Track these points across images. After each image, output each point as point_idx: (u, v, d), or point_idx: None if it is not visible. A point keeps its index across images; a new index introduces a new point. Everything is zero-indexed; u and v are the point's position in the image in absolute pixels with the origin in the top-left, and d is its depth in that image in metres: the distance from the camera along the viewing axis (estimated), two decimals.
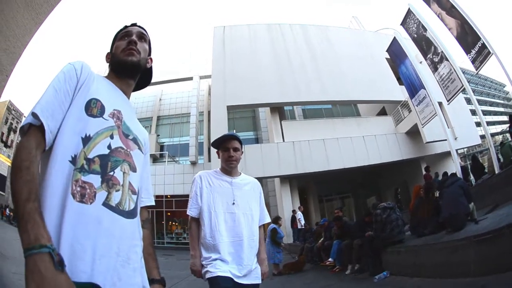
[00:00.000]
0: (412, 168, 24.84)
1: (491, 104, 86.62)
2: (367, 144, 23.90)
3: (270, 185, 27.75)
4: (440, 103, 19.68)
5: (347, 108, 31.13)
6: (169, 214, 30.42)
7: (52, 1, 4.18)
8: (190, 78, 38.85)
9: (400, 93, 25.70)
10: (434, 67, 18.45)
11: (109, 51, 2.00)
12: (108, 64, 1.97)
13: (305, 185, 27.74)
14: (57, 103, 1.55)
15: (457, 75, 16.59)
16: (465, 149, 41.97)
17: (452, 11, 16.13)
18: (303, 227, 20.40)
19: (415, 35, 19.89)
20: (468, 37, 15.53)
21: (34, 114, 1.47)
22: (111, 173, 1.56)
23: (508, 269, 5.06)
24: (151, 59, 2.08)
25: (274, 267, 12.40)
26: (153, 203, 2.01)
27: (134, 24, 2.05)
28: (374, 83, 26.19)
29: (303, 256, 14.17)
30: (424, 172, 19.71)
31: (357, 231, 10.96)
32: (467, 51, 15.63)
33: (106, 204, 1.49)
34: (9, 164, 41.36)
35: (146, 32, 2.04)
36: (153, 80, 2.17)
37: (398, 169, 25.69)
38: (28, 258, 1.12)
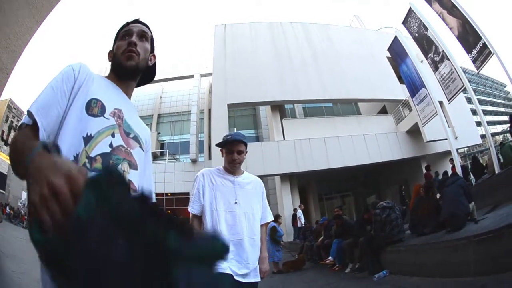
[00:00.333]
0: (412, 167, 24.85)
1: (492, 104, 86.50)
2: (367, 143, 23.92)
3: (271, 183, 27.72)
4: (440, 102, 19.67)
5: (347, 107, 31.12)
6: (169, 212, 30.32)
7: (53, 0, 4.19)
8: (191, 76, 38.87)
9: (401, 92, 25.70)
10: (435, 66, 18.44)
11: (111, 49, 2.00)
12: (110, 62, 1.97)
13: (305, 183, 27.74)
14: (53, 102, 1.57)
15: (458, 75, 16.59)
16: (465, 149, 42.00)
17: (453, 10, 16.11)
18: (303, 225, 20.40)
19: (416, 34, 19.87)
20: (469, 36, 15.51)
21: (29, 113, 1.50)
22: None
23: (508, 269, 5.05)
24: (154, 55, 2.07)
25: (273, 265, 12.39)
26: (154, 201, 2.00)
27: (136, 20, 2.04)
28: (375, 81, 26.20)
29: (303, 255, 14.19)
30: (424, 171, 19.71)
31: (358, 229, 10.98)
32: (468, 51, 15.61)
33: None
34: (10, 162, 41.56)
35: (149, 29, 2.02)
36: (156, 70, 2.17)
37: (398, 168, 25.71)
38: (28, 167, 1.07)
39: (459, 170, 15.97)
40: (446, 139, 18.73)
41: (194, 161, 30.67)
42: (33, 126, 1.49)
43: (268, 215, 3.91)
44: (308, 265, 13.77)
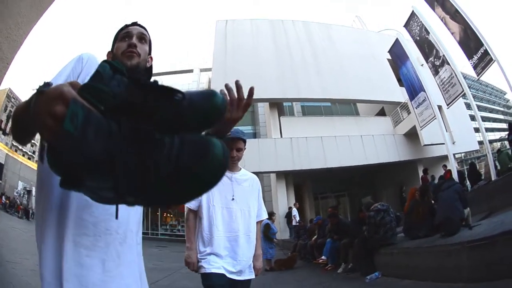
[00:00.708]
0: (408, 170, 24.81)
1: (491, 110, 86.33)
2: (364, 144, 23.90)
3: (266, 180, 27.69)
4: (439, 107, 19.69)
5: (346, 107, 31.06)
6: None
7: None
8: (191, 71, 38.86)
9: (400, 94, 25.68)
10: (435, 70, 18.46)
11: (110, 50, 2.01)
12: None
13: (301, 182, 27.72)
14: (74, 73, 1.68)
15: (458, 80, 16.60)
16: (462, 154, 41.98)
17: (456, 15, 16.11)
18: (297, 223, 20.42)
19: (418, 38, 19.89)
20: (470, 42, 15.52)
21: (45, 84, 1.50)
22: None
23: (500, 277, 5.07)
24: (151, 57, 2.09)
25: (266, 262, 12.38)
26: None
27: (134, 23, 2.05)
28: (374, 83, 26.13)
29: (295, 254, 14.21)
30: (421, 174, 19.74)
31: (354, 229, 11.00)
32: (469, 57, 15.63)
33: None
34: (7, 152, 41.37)
35: (147, 32, 2.05)
36: (153, 72, 2.17)
37: (394, 170, 25.68)
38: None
39: (455, 175, 15.99)
40: (443, 143, 18.79)
41: None
42: None
43: (263, 213, 3.96)
44: (301, 263, 13.79)
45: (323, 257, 11.92)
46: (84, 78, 1.67)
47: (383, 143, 24.33)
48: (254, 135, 31.71)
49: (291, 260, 13.24)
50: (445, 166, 18.52)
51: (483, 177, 15.40)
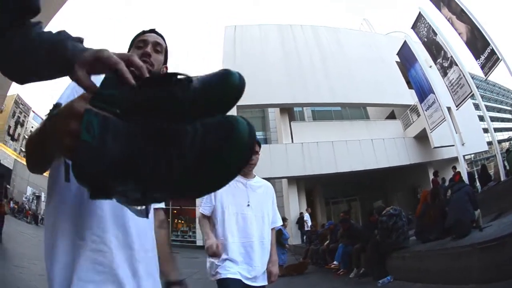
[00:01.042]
0: (419, 172, 24.69)
1: (499, 110, 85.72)
2: (375, 148, 23.83)
3: (278, 186, 27.62)
4: (448, 108, 19.61)
5: (356, 111, 30.95)
6: (175, 212, 30.34)
7: None
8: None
9: (409, 97, 25.51)
10: (444, 71, 18.42)
11: None
12: None
13: (312, 187, 27.69)
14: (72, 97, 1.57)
15: (466, 81, 16.55)
16: (472, 155, 41.69)
17: (462, 15, 16.07)
18: (309, 228, 20.38)
19: (425, 39, 19.85)
20: (477, 42, 15.48)
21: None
22: None
23: (510, 277, 5.06)
24: (166, 67, 2.05)
25: (279, 268, 12.38)
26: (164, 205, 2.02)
27: (152, 30, 2.01)
28: (383, 86, 26.00)
29: (307, 259, 14.19)
30: (432, 177, 19.64)
31: (366, 233, 10.98)
32: (477, 57, 15.59)
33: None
34: (15, 157, 41.53)
35: (164, 40, 2.02)
36: None
37: (405, 173, 25.57)
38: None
39: (465, 177, 15.90)
40: (453, 145, 18.71)
41: None
42: None
43: (278, 220, 3.99)
44: (313, 269, 13.78)
45: (335, 262, 11.91)
46: None
47: (394, 147, 24.24)
48: (265, 141, 31.70)
49: (302, 266, 13.24)
50: (454, 168, 18.41)
51: (493, 178, 15.33)
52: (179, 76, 0.96)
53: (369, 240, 10.35)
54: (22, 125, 46.90)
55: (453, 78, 17.58)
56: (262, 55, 26.87)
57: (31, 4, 1.11)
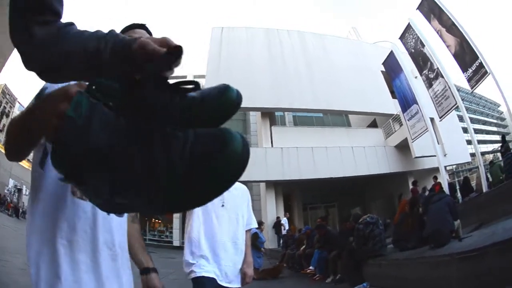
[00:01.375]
0: (399, 181, 24.81)
1: (484, 123, 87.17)
2: (355, 155, 23.94)
3: (255, 189, 27.67)
4: (432, 119, 19.79)
5: (338, 118, 31.10)
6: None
7: None
8: (184, 77, 38.77)
9: (392, 106, 25.68)
10: (429, 83, 18.53)
11: None
12: None
13: (290, 191, 27.74)
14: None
15: (452, 93, 16.67)
16: (454, 166, 42.12)
17: (452, 28, 16.20)
18: (286, 233, 20.39)
19: (413, 50, 19.97)
20: (466, 55, 15.59)
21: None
22: None
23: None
24: None
25: (254, 271, 12.32)
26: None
27: (142, 26, 1.95)
28: (367, 94, 26.16)
29: (282, 263, 14.17)
30: (411, 186, 19.75)
31: (340, 240, 11.00)
32: (464, 70, 15.70)
33: None
34: (0, 148, 41.33)
35: None
36: None
37: (385, 181, 25.76)
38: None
39: (446, 187, 15.99)
40: (434, 155, 18.82)
41: None
42: None
43: (253, 222, 4.02)
44: (288, 273, 13.81)
45: (311, 267, 11.98)
46: None
47: (374, 155, 24.39)
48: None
49: (277, 270, 13.21)
50: (435, 177, 18.54)
51: (474, 189, 15.43)
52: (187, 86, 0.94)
53: (344, 247, 10.38)
54: (7, 116, 46.52)
55: (438, 90, 17.70)
56: (247, 58, 26.87)
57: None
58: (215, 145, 0.79)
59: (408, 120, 21.18)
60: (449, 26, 16.45)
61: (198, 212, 3.55)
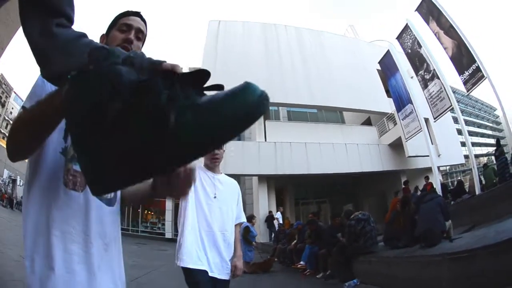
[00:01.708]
0: (392, 180, 24.93)
1: (479, 125, 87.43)
2: (348, 152, 24.00)
3: (248, 183, 27.74)
4: (426, 119, 19.83)
5: (332, 114, 31.04)
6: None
7: None
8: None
9: (387, 105, 25.75)
10: (425, 83, 18.57)
11: (104, 33, 1.90)
12: None
13: (282, 186, 27.76)
14: (42, 93, 1.50)
15: (447, 94, 16.72)
16: (447, 167, 42.23)
17: (450, 31, 16.21)
18: (278, 227, 20.44)
19: (409, 50, 19.99)
20: (463, 58, 15.62)
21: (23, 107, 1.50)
22: None
23: None
24: None
25: (245, 265, 12.36)
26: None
27: (137, 13, 1.91)
28: (362, 92, 26.19)
29: (272, 258, 14.21)
30: (403, 186, 19.82)
31: (329, 236, 11.03)
32: (460, 72, 15.73)
33: None
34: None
35: (146, 27, 1.93)
36: None
37: (377, 179, 25.88)
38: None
39: (438, 188, 16.08)
40: (428, 155, 18.89)
41: None
42: None
43: (242, 216, 4.09)
44: (279, 267, 13.86)
45: (301, 262, 11.99)
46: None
47: (367, 152, 24.47)
48: (238, 137, 31.69)
49: (267, 264, 13.26)
50: (427, 177, 18.64)
51: (467, 191, 15.52)
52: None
53: (331, 243, 10.44)
54: (3, 106, 46.23)
55: (433, 91, 17.75)
56: (243, 52, 26.76)
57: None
58: (234, 88, 0.90)
59: (403, 120, 21.23)
60: (447, 29, 16.48)
61: (191, 201, 3.59)
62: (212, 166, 3.82)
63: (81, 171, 1.03)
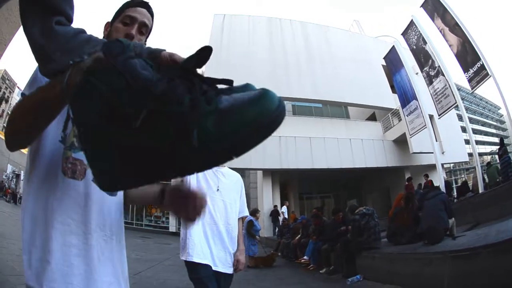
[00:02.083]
0: (395, 176, 24.93)
1: (483, 124, 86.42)
2: (353, 147, 23.99)
3: (252, 177, 27.73)
4: (431, 116, 19.79)
5: (337, 109, 30.91)
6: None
7: None
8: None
9: (392, 101, 25.68)
10: (430, 80, 18.52)
11: (110, 21, 1.83)
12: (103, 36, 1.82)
13: (287, 180, 27.77)
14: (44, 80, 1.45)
15: (451, 91, 16.68)
16: (451, 164, 42.07)
17: (456, 28, 16.16)
18: (282, 222, 20.45)
19: (414, 47, 19.93)
20: (468, 56, 15.57)
21: (22, 94, 1.49)
22: None
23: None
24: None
25: (248, 259, 12.41)
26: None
27: (146, 4, 1.82)
28: (367, 88, 26.10)
29: (274, 253, 14.22)
30: (406, 183, 19.81)
31: (331, 231, 11.07)
32: (465, 70, 15.69)
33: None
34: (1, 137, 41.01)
35: (152, 20, 1.85)
36: None
37: (381, 175, 25.86)
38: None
39: (442, 185, 16.08)
40: (432, 152, 18.86)
41: None
42: None
43: (245, 210, 4.10)
44: (283, 262, 13.90)
45: (305, 257, 12.00)
46: None
47: (372, 148, 24.46)
48: None
49: (269, 259, 13.28)
50: (426, 175, 18.62)
51: (471, 189, 15.52)
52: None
53: (332, 238, 10.49)
54: (6, 101, 46.19)
55: (438, 88, 17.70)
56: (248, 46, 26.67)
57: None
58: (251, 94, 0.90)
59: (407, 116, 21.18)
60: (452, 26, 16.43)
61: None
62: None
63: (88, 164, 1.03)
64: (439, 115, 18.20)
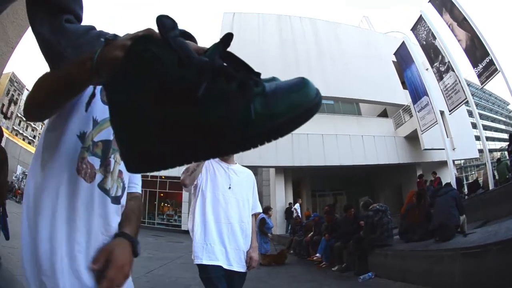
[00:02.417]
0: (407, 172, 24.86)
1: (493, 120, 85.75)
2: (365, 144, 23.99)
3: (265, 175, 27.76)
4: (441, 112, 19.67)
5: (348, 106, 30.84)
6: (161, 195, 30.21)
7: None
8: None
9: (403, 97, 25.60)
10: (440, 76, 18.44)
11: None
12: None
13: (299, 178, 27.80)
14: None
15: (462, 87, 16.61)
16: (462, 161, 41.84)
17: (464, 23, 16.07)
18: (295, 219, 20.43)
19: (424, 42, 19.84)
20: (476, 51, 15.49)
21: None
22: (110, 159, 1.60)
23: (492, 285, 5.15)
24: None
25: (261, 256, 12.43)
26: (139, 192, 1.91)
27: (190, 35, 1.77)
28: (378, 84, 26.06)
29: (285, 250, 14.22)
30: (417, 179, 19.76)
31: (345, 227, 11.09)
32: (474, 65, 15.61)
33: (100, 186, 1.53)
34: (7, 136, 41.11)
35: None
36: None
37: (393, 172, 25.77)
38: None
39: (453, 182, 16.01)
40: (443, 149, 18.78)
41: None
42: None
43: (258, 206, 4.06)
44: (295, 260, 13.90)
45: (317, 254, 12.01)
46: None
47: (383, 144, 24.42)
48: None
49: (280, 256, 13.28)
50: (434, 173, 18.60)
51: (481, 186, 15.46)
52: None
53: (346, 234, 10.51)
54: (15, 103, 46.52)
55: (448, 83, 17.62)
56: (258, 44, 26.70)
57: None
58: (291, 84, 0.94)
59: (418, 112, 21.08)
60: (461, 21, 16.33)
61: (204, 193, 3.62)
62: (226, 157, 3.79)
63: (116, 142, 1.02)
64: (449, 111, 18.11)
